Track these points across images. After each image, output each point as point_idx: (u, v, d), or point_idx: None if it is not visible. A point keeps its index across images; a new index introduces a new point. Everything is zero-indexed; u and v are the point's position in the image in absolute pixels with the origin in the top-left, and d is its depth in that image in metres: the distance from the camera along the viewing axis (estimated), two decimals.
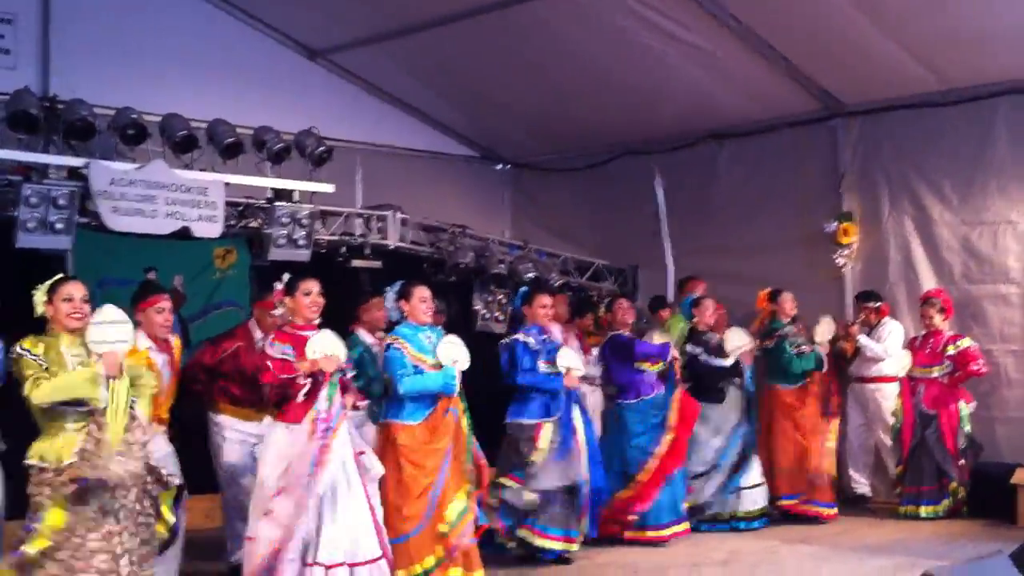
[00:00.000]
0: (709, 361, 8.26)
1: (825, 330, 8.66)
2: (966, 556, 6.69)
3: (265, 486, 5.52)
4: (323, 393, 5.59)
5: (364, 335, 7.22)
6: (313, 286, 5.85)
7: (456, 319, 8.75)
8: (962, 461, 8.42)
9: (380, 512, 5.75)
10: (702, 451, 8.16)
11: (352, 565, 5.49)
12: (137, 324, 6.27)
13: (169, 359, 6.40)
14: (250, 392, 6.58)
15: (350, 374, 5.91)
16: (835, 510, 8.55)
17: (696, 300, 8.59)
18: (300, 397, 5.57)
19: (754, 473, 8.28)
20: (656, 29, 8.92)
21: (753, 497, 8.25)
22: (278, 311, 5.93)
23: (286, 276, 5.93)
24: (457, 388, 6.10)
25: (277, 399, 5.64)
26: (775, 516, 8.45)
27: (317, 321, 5.86)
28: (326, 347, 5.65)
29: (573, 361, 7.10)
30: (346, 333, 6.91)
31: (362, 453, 5.81)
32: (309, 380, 5.56)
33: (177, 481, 5.27)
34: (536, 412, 6.96)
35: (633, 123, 10.65)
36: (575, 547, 7.04)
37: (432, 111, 11.35)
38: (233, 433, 6.90)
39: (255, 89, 9.71)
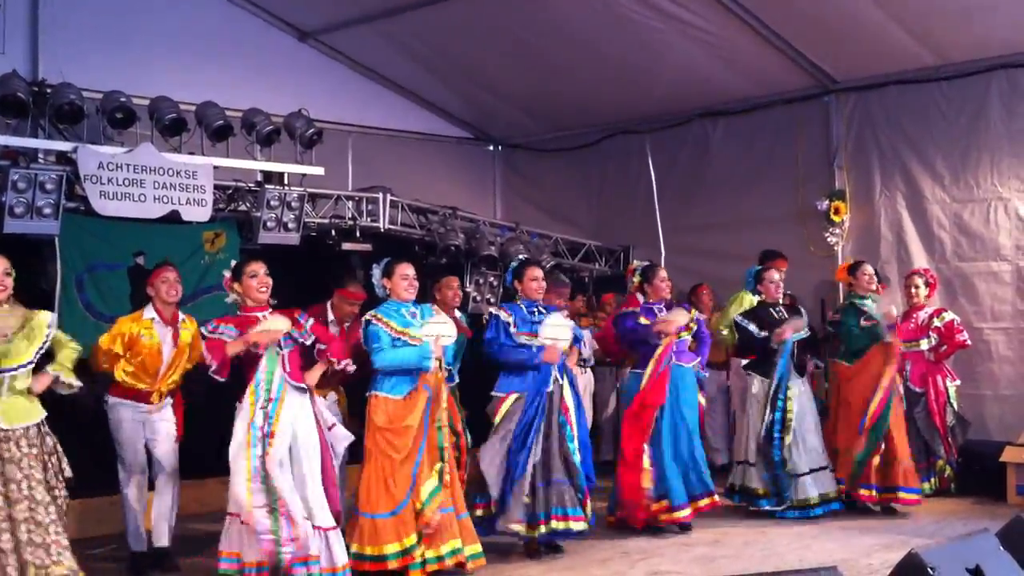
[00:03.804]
0: (756, 334, 7.92)
1: (882, 302, 8.06)
2: (954, 534, 6.69)
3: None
4: (263, 366, 5.70)
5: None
6: (259, 268, 6.00)
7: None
8: (950, 439, 8.42)
9: (337, 489, 5.93)
10: (750, 439, 7.91)
11: (323, 529, 5.70)
12: (150, 297, 6.59)
13: (173, 332, 6.59)
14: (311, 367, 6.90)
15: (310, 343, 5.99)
16: (915, 495, 7.85)
17: (758, 273, 8.19)
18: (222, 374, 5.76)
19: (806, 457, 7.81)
20: (649, 6, 8.90)
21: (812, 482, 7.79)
22: (230, 299, 6.04)
23: (233, 263, 6.09)
24: (433, 365, 6.08)
25: (220, 374, 5.79)
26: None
27: (272, 302, 6.03)
28: (269, 323, 5.75)
29: (557, 332, 6.84)
30: None
31: (332, 427, 5.94)
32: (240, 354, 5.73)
33: (68, 473, 5.67)
34: (505, 387, 6.84)
35: (625, 102, 10.62)
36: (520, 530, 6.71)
37: (423, 92, 11.32)
38: None
39: (244, 71, 9.68)
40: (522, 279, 7.02)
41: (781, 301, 8.16)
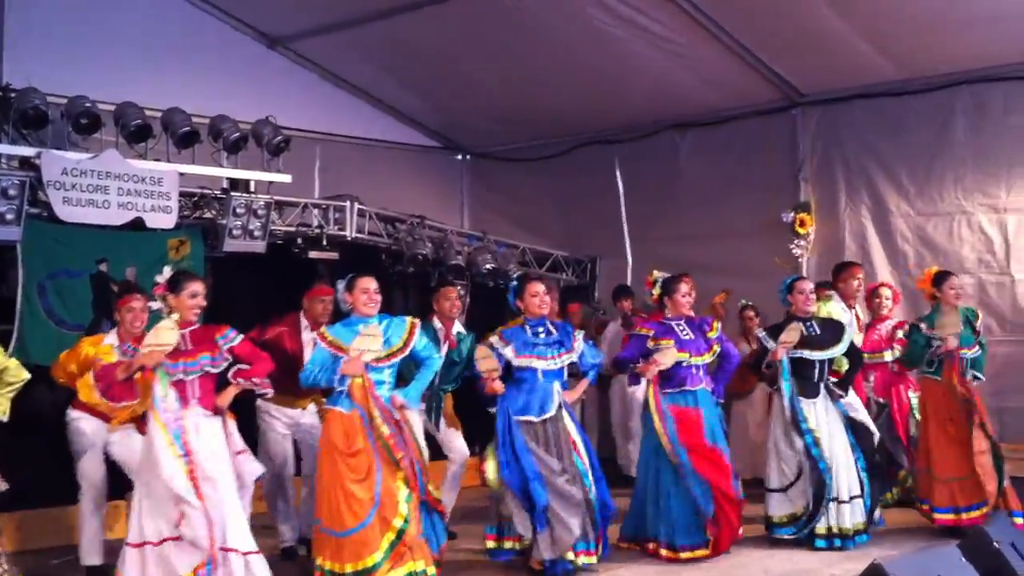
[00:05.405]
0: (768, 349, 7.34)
1: (948, 322, 7.44)
2: (917, 546, 6.74)
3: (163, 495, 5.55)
4: (157, 387, 5.52)
5: (436, 324, 7.57)
6: (199, 288, 5.77)
7: (414, 310, 8.72)
8: (913, 449, 8.43)
9: (247, 512, 5.81)
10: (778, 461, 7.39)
11: (229, 550, 5.52)
12: (115, 323, 6.51)
13: None
14: (288, 378, 6.67)
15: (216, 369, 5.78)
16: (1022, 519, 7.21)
17: (791, 284, 7.50)
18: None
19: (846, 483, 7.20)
20: (619, 18, 8.94)
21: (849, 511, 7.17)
22: (156, 305, 5.85)
23: (167, 271, 5.86)
24: (351, 381, 5.89)
25: (112, 399, 5.70)
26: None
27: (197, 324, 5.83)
28: (152, 339, 5.55)
29: (487, 363, 6.55)
30: (423, 322, 6.99)
31: (240, 452, 5.80)
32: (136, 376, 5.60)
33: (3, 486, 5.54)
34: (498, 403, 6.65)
35: (595, 113, 10.66)
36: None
37: (392, 100, 11.31)
38: (272, 419, 7.07)
39: (212, 77, 9.63)
40: (523, 296, 6.75)
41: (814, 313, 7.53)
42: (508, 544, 6.62)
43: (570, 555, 6.40)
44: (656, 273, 7.51)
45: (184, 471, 5.42)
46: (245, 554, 5.56)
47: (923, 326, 7.56)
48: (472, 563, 6.86)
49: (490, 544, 6.68)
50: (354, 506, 5.78)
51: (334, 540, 5.81)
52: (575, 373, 6.99)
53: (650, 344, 7.11)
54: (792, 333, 7.23)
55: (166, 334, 5.55)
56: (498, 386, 6.54)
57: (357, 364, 5.89)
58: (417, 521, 5.93)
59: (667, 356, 6.99)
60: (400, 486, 5.87)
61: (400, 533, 5.81)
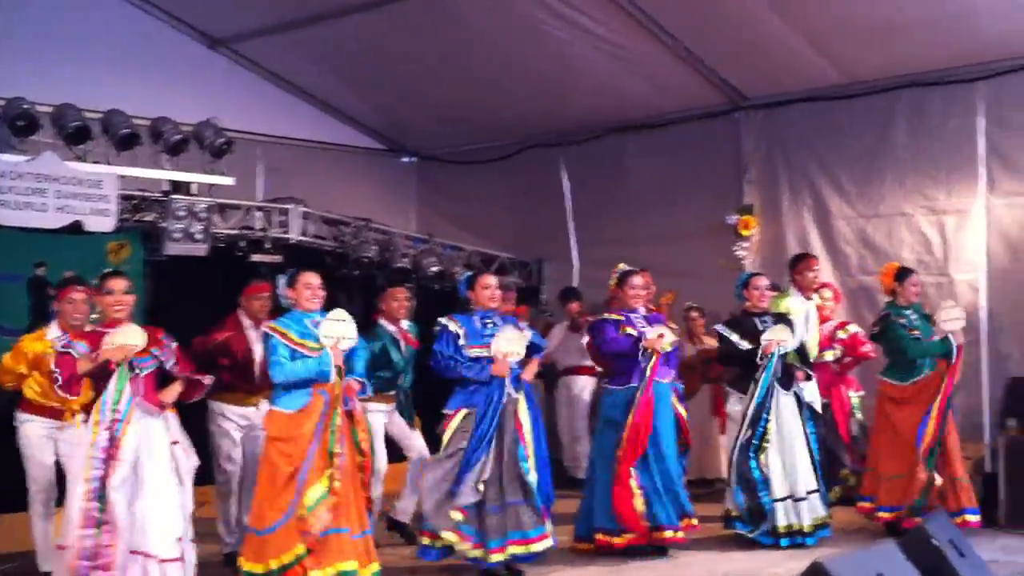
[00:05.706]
0: (738, 345, 7.42)
1: (950, 315, 7.56)
2: (858, 544, 6.82)
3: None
4: (112, 384, 5.49)
5: (387, 325, 7.53)
6: (115, 284, 5.74)
7: (358, 313, 8.64)
8: (854, 448, 8.55)
9: (189, 508, 5.77)
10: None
11: (145, 555, 5.46)
12: (56, 314, 6.48)
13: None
14: (241, 379, 6.88)
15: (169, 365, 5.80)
16: (977, 517, 7.39)
17: (747, 280, 7.65)
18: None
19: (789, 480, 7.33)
20: (565, 20, 8.94)
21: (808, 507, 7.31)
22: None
23: (108, 271, 5.89)
24: (333, 373, 5.84)
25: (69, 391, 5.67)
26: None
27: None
28: (119, 338, 5.55)
29: (510, 345, 6.54)
30: (370, 324, 7.13)
31: (175, 443, 5.75)
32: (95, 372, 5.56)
33: None
34: (454, 403, 6.60)
35: (541, 115, 10.65)
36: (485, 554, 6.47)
37: (337, 102, 11.23)
38: (225, 420, 7.00)
39: (153, 78, 9.47)
40: (474, 288, 6.79)
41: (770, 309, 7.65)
42: (440, 543, 6.53)
43: (494, 556, 6.37)
44: (621, 265, 7.57)
45: (90, 475, 5.38)
46: (163, 561, 5.48)
47: (897, 319, 7.65)
48: (417, 568, 6.82)
49: (424, 541, 6.59)
50: (278, 500, 5.73)
51: (257, 539, 5.78)
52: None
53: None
54: (782, 332, 7.36)
55: (133, 335, 5.57)
56: (505, 369, 6.50)
57: (339, 353, 5.90)
58: (342, 520, 5.83)
59: (666, 332, 7.17)
60: (322, 481, 5.76)
61: (300, 520, 5.72)
